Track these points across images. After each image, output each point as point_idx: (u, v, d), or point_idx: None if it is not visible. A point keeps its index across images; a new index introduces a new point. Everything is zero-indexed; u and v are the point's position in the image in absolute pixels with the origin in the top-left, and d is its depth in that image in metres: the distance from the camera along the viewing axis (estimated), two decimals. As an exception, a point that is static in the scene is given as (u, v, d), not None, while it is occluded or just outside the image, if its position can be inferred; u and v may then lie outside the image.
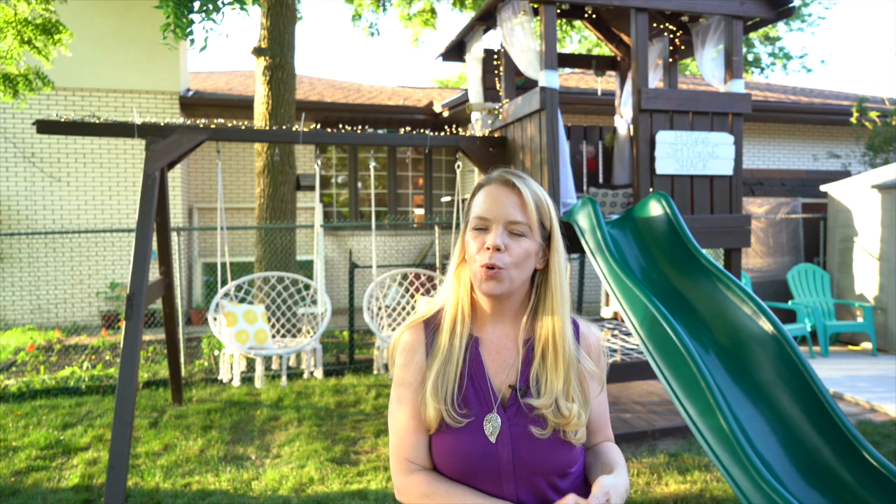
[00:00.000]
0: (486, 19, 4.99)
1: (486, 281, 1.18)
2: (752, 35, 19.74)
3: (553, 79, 4.21)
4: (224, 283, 6.42)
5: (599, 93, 6.83)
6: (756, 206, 8.75)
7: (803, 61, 26.50)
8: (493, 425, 1.16)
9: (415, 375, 1.23)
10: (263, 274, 5.28)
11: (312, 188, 9.34)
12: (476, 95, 5.42)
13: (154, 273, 7.79)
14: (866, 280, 7.27)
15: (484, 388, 1.20)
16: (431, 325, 1.27)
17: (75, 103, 8.87)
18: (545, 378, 1.18)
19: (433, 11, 10.39)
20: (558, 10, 4.40)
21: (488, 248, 1.17)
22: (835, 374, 5.99)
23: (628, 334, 5.24)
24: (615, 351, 4.90)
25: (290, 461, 3.99)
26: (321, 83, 12.24)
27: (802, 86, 15.24)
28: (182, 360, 5.89)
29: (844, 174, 10.12)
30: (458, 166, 5.53)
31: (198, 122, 4.53)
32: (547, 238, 1.23)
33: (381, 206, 10.67)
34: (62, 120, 4.29)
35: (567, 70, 10.58)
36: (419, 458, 1.19)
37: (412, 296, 6.02)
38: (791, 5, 4.50)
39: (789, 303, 7.20)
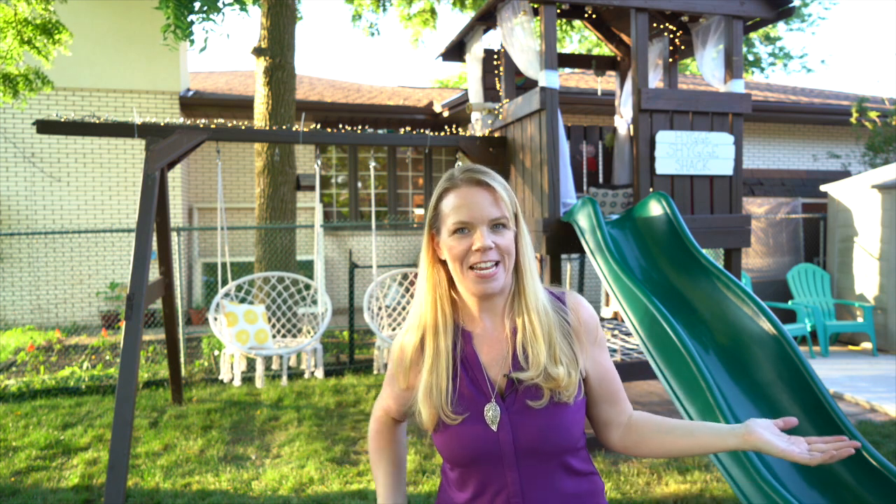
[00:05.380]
0: (486, 19, 4.99)
1: (480, 283, 1.19)
2: (752, 35, 19.73)
3: (553, 79, 4.21)
4: (224, 283, 6.42)
5: (599, 93, 6.82)
6: (756, 206, 8.76)
7: (803, 61, 26.54)
8: (493, 413, 1.18)
9: (400, 381, 1.35)
10: (263, 274, 5.28)
11: (312, 188, 9.34)
12: (476, 95, 5.42)
13: (154, 273, 7.80)
14: (866, 280, 7.27)
15: (481, 380, 1.21)
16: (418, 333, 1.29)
17: (75, 103, 8.87)
18: (531, 349, 1.20)
19: (433, 11, 10.39)
20: (558, 10, 4.40)
21: (477, 250, 1.18)
22: (835, 374, 5.99)
23: (628, 334, 5.23)
24: (615, 351, 4.90)
25: (290, 461, 3.99)
26: (321, 83, 12.24)
27: (802, 86, 15.23)
28: (182, 360, 5.89)
29: (844, 174, 10.12)
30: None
31: (198, 122, 4.53)
32: (514, 223, 1.25)
33: (381, 206, 10.66)
34: (62, 120, 4.30)
35: (567, 70, 10.58)
36: (385, 410, 1.47)
37: (412, 296, 6.02)
38: (791, 5, 4.50)
39: (789, 303, 7.20)
